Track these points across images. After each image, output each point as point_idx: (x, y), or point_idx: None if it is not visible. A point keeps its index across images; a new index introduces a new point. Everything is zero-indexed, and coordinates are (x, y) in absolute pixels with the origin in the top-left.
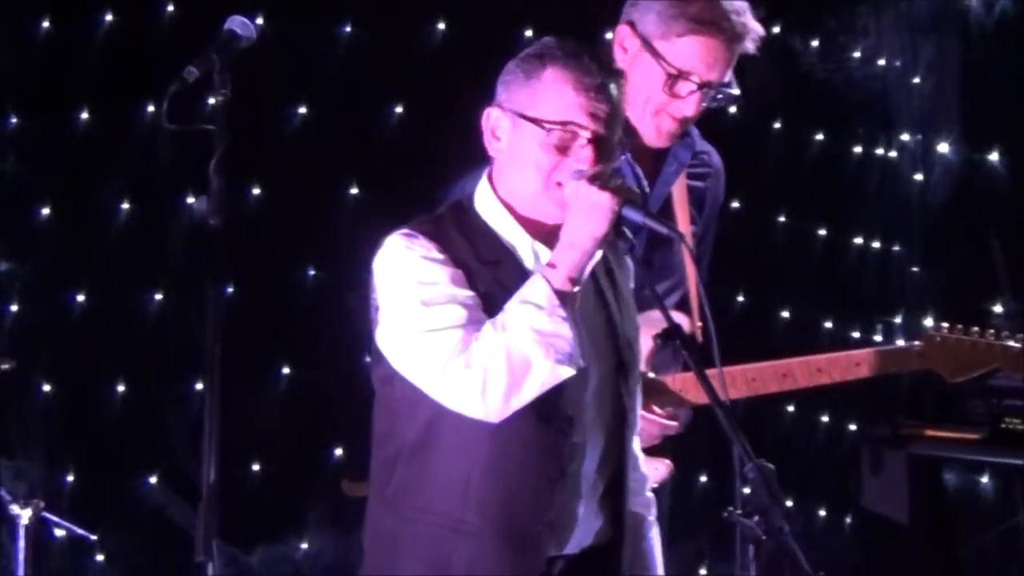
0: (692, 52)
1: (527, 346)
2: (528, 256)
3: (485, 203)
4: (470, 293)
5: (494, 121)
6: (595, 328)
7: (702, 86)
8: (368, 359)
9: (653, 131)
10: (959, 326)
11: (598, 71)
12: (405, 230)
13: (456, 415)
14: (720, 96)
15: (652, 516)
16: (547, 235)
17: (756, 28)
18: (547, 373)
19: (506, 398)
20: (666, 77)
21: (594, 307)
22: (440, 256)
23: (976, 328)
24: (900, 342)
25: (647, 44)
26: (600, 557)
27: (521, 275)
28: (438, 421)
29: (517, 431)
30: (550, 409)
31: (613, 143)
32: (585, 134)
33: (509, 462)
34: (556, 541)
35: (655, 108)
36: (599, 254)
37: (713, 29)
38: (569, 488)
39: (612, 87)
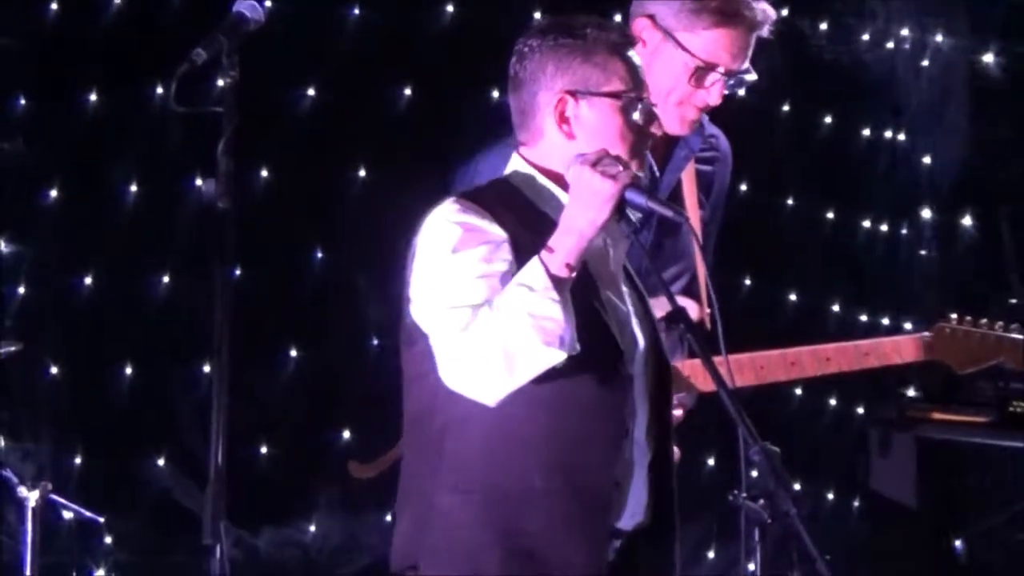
0: (717, 44)
1: (519, 328)
2: None
3: (533, 176)
4: (503, 268)
5: (562, 106)
6: (634, 303)
7: (726, 75)
8: (385, 340)
9: (677, 121)
10: (968, 318)
11: (625, 36)
12: (452, 200)
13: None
14: (738, 82)
15: None
16: None
17: (772, 14)
18: (538, 356)
19: (500, 380)
20: (693, 69)
21: (629, 285)
22: (492, 225)
23: (985, 320)
24: (908, 326)
25: (670, 36)
26: (652, 538)
27: None
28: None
29: (580, 391)
30: (610, 370)
31: None
32: (645, 100)
33: (574, 424)
34: (619, 507)
35: (679, 99)
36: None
37: (736, 20)
38: (630, 450)
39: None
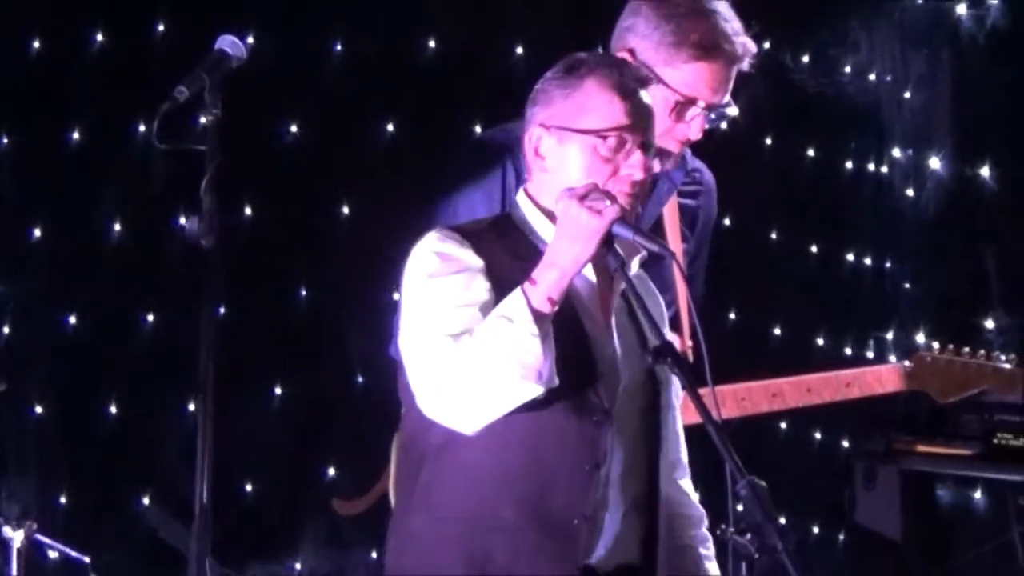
0: (698, 78)
1: (498, 360)
2: None
3: (524, 211)
4: (486, 298)
5: (536, 141)
6: (627, 335)
7: (707, 109)
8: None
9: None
10: (950, 346)
11: (632, 77)
12: (440, 228)
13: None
14: (719, 116)
15: (704, 550)
16: None
17: (753, 47)
18: (515, 389)
19: (479, 411)
20: (673, 103)
21: (628, 316)
22: (469, 254)
23: (967, 348)
24: (892, 359)
25: (650, 71)
26: None
27: None
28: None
29: (552, 425)
30: (584, 404)
31: (654, 151)
32: (636, 139)
33: (546, 454)
34: (591, 541)
35: (660, 133)
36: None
37: (717, 53)
38: (604, 485)
39: (645, 93)
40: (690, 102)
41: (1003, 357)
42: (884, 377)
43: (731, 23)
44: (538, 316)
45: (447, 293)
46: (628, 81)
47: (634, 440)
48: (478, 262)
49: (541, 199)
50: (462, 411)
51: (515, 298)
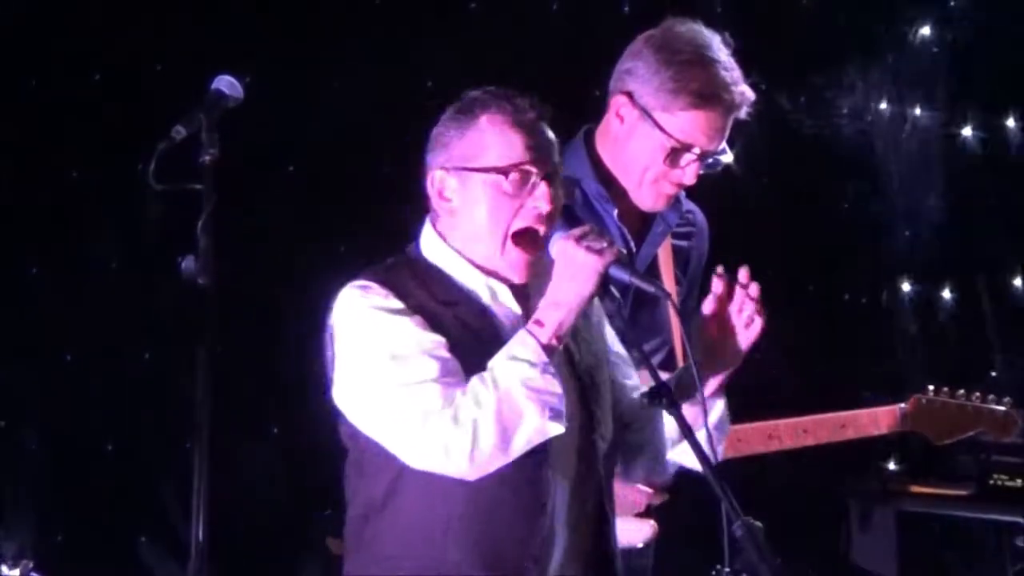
0: (694, 125)
1: (520, 403)
2: (485, 293)
3: (434, 250)
4: (438, 338)
5: (439, 183)
6: (566, 379)
7: (701, 156)
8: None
9: (651, 198)
10: (944, 389)
11: (530, 108)
12: (359, 281)
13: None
14: (714, 162)
15: None
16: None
17: (751, 96)
18: (538, 430)
19: (493, 455)
20: (669, 149)
21: (566, 362)
22: (399, 304)
23: (962, 391)
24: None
25: (647, 115)
26: None
27: (482, 313)
28: (407, 472)
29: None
30: None
31: (560, 178)
32: (538, 172)
33: (489, 498)
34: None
35: (654, 176)
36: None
37: (714, 102)
38: (548, 524)
39: (545, 123)
40: (685, 148)
41: (997, 400)
42: (880, 419)
43: (731, 72)
44: (549, 354)
45: (407, 341)
46: (523, 113)
47: (573, 476)
48: (408, 311)
49: (453, 241)
50: (477, 458)
51: (524, 340)
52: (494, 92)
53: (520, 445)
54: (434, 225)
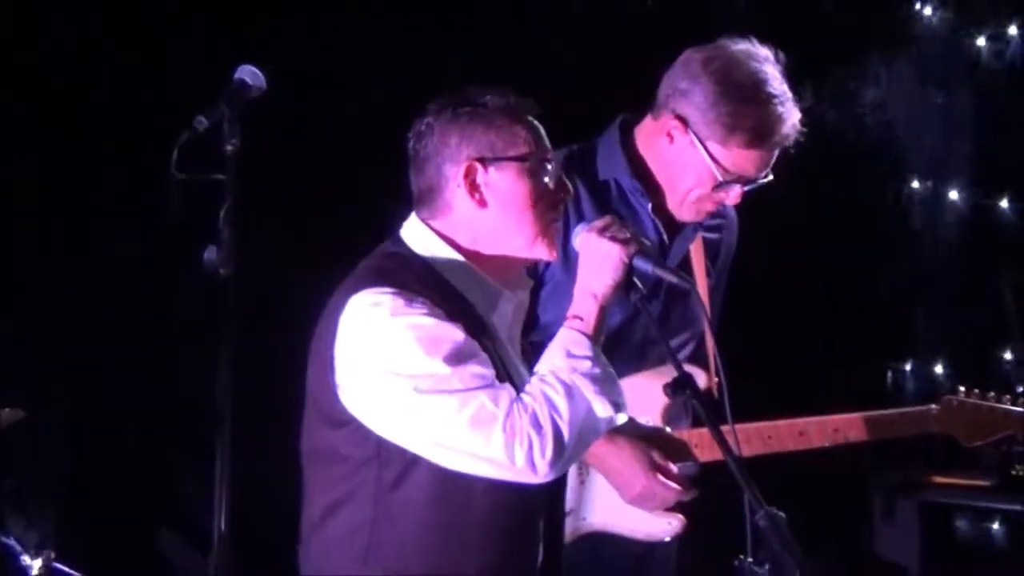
0: (747, 160)
1: (591, 398)
2: (481, 297)
3: (431, 250)
4: (475, 343)
5: (471, 175)
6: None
7: (748, 182)
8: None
9: (693, 213)
10: (975, 391)
11: (525, 100)
12: (385, 287)
13: (439, 471)
14: (756, 185)
15: None
16: (512, 281)
17: (800, 124)
18: (609, 421)
19: (572, 455)
20: (718, 178)
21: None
22: (424, 309)
23: (992, 393)
24: (910, 386)
25: (700, 144)
26: None
27: (479, 323)
28: (421, 480)
29: None
30: None
31: None
32: (552, 162)
33: (506, 509)
34: None
35: (698, 197)
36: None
37: (769, 141)
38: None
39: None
40: (735, 178)
41: None
42: (910, 420)
43: (786, 105)
44: (597, 346)
45: (459, 345)
46: (529, 106)
47: None
48: (455, 324)
49: (457, 236)
50: (556, 459)
51: (572, 336)
52: (491, 87)
53: (591, 441)
54: (428, 220)
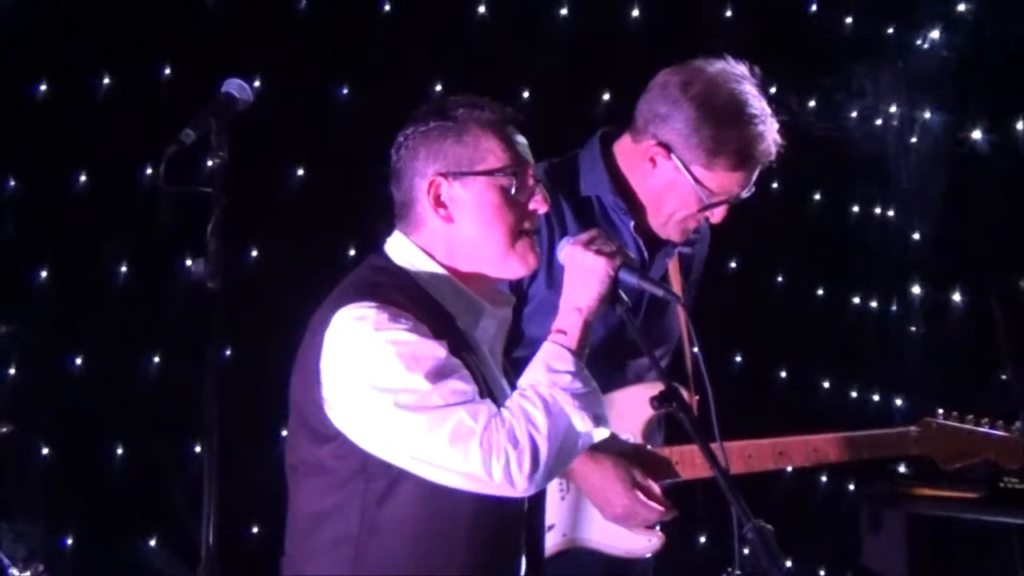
0: (732, 181)
1: (571, 412)
2: (464, 311)
3: (428, 269)
4: (453, 357)
5: (436, 190)
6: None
7: (732, 200)
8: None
9: (679, 234)
10: (954, 413)
11: (506, 111)
12: (369, 302)
13: (426, 485)
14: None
15: None
16: (493, 297)
17: (780, 139)
18: (589, 436)
19: (551, 469)
20: (703, 201)
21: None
22: (408, 324)
23: (971, 416)
24: (898, 402)
25: (685, 169)
26: None
27: (462, 338)
28: (408, 493)
29: None
30: None
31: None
32: (532, 174)
33: (490, 521)
34: None
35: (683, 217)
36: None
37: (753, 160)
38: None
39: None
40: (720, 200)
41: (1006, 426)
42: (889, 441)
43: (766, 122)
44: (580, 360)
45: (441, 360)
46: (504, 116)
47: None
48: (438, 340)
49: (433, 251)
50: (537, 474)
51: (555, 351)
52: (468, 97)
53: (573, 455)
54: (408, 235)
